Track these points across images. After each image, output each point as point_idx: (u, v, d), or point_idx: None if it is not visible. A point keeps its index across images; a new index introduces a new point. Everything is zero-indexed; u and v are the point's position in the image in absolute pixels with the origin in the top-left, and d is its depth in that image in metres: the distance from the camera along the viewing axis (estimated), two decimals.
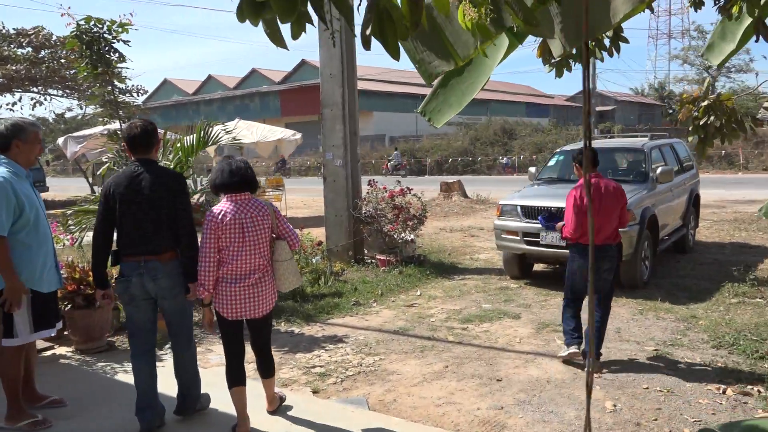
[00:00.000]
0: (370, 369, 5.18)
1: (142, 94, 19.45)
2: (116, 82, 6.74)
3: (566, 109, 57.45)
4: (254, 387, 4.19)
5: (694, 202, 9.97)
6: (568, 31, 2.30)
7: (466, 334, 6.07)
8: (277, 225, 3.93)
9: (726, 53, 3.73)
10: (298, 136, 16.32)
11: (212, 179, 3.90)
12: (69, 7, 6.56)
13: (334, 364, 5.32)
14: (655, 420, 4.08)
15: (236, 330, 3.95)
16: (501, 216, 8.21)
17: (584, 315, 5.52)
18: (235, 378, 3.93)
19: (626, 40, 3.36)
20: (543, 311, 6.80)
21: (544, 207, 7.68)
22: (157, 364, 4.08)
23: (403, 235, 9.19)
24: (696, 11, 3.86)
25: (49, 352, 5.58)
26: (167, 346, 5.19)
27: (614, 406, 4.31)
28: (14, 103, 21.98)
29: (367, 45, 1.48)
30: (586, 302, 5.37)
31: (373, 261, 9.16)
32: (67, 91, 22.09)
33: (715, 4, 3.53)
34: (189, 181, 6.35)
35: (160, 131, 4.82)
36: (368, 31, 1.47)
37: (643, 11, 2.53)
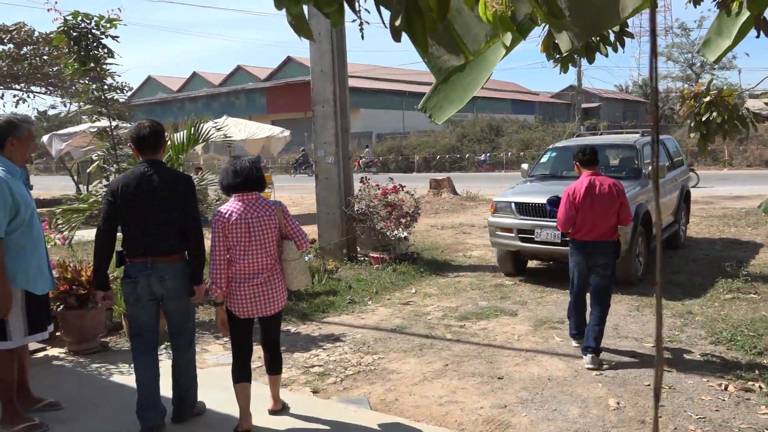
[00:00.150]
0: (369, 368, 5.13)
1: (127, 91, 19.25)
2: (108, 79, 6.60)
3: (552, 106, 57.71)
4: (254, 387, 4.13)
5: (685, 198, 10.01)
6: (578, 25, 2.27)
7: (464, 332, 6.03)
8: (284, 224, 3.89)
9: (723, 49, 3.71)
10: (287, 133, 16.22)
11: (219, 180, 3.92)
12: (56, 2, 6.44)
13: (333, 363, 5.26)
14: (659, 417, 4.06)
15: (247, 329, 3.96)
16: (495, 213, 8.19)
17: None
18: (241, 374, 3.91)
19: (631, 35, 3.34)
20: (539, 308, 6.78)
21: (538, 203, 7.67)
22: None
23: (396, 232, 9.14)
24: (695, 6, 3.84)
25: (41, 354, 5.47)
26: (162, 347, 5.10)
27: (617, 403, 4.29)
28: None
29: (397, 37, 1.43)
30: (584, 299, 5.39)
31: (367, 259, 9.11)
32: (50, 88, 21.79)
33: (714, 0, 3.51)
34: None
35: None
36: (398, 23, 1.41)
37: (648, 6, 2.50)
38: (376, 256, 8.96)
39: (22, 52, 19.93)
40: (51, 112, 33.57)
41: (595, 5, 2.10)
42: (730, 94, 3.83)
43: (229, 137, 8.74)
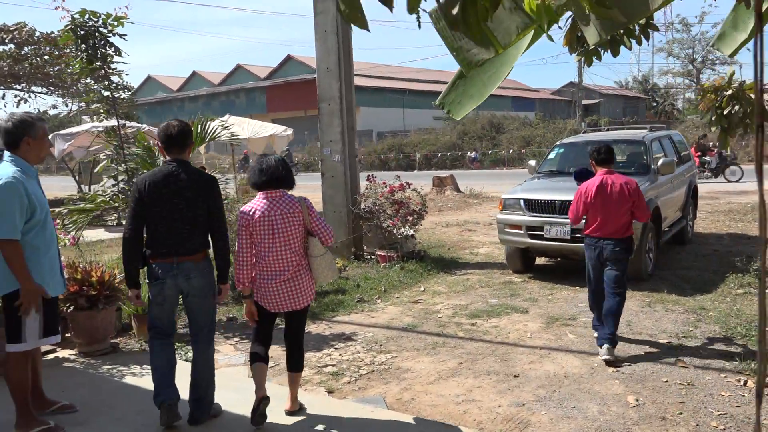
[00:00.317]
0: (383, 367, 5.09)
1: (128, 91, 19.18)
2: (118, 78, 6.57)
3: (552, 103, 57.64)
4: (271, 387, 4.09)
5: (692, 193, 9.97)
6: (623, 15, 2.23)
7: (476, 330, 5.99)
8: (309, 221, 3.89)
9: (738, 42, 3.67)
10: (290, 131, 16.20)
11: (248, 177, 3.99)
12: (63, 0, 6.40)
13: (346, 362, 5.22)
14: (680, 414, 4.02)
15: (271, 321, 4.08)
16: (504, 210, 8.14)
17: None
18: (259, 357, 3.96)
19: (656, 28, 3.30)
20: (550, 305, 6.74)
21: (547, 200, 7.64)
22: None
23: (402, 230, 9.09)
24: None
25: (51, 356, 5.42)
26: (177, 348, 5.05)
27: (636, 400, 4.25)
28: None
29: (455, 25, 1.38)
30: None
31: (373, 257, 9.07)
32: (51, 88, 21.73)
33: None
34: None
35: (149, 129, 4.73)
36: (455, 11, 1.37)
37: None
38: (382, 254, 8.91)
39: (23, 52, 19.86)
40: (52, 112, 33.48)
41: None
42: (752, 87, 3.79)
43: (236, 135, 8.69)
